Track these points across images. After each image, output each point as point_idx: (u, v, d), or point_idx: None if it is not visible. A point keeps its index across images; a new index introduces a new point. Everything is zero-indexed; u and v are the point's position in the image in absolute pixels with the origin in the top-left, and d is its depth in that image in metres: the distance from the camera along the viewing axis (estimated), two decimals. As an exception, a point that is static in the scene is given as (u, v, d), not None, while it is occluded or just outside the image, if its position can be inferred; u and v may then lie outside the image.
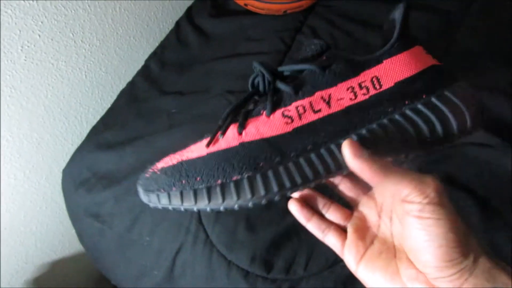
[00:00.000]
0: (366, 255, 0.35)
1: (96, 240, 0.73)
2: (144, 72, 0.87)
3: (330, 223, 0.40)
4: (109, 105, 0.85)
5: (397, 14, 0.42)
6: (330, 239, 0.39)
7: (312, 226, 0.40)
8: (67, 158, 0.80)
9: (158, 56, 0.89)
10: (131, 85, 0.86)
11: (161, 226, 0.65)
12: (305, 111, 0.38)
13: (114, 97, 0.86)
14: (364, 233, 0.37)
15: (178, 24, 0.94)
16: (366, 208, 0.38)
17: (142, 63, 0.91)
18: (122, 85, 0.89)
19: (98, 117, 0.84)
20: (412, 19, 0.82)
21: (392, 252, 0.34)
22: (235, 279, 0.58)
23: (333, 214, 0.40)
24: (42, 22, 0.73)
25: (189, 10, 0.96)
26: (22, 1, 0.69)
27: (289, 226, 0.59)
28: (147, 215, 0.66)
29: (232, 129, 0.40)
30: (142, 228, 0.67)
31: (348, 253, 0.36)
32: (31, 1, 0.70)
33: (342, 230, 0.39)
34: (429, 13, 0.84)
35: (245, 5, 0.86)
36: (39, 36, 0.74)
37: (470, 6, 0.84)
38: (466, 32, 0.81)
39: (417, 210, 0.30)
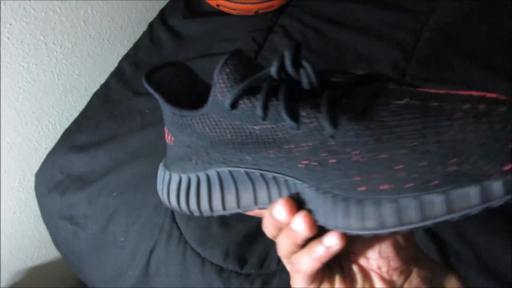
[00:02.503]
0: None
1: (71, 243, 0.73)
2: (118, 74, 0.87)
3: None
4: (83, 108, 0.84)
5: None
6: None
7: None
8: (40, 162, 0.79)
9: (131, 57, 0.89)
10: (105, 86, 0.86)
11: (135, 226, 0.65)
12: None
13: (88, 99, 0.86)
14: None
15: (151, 25, 0.94)
16: None
17: (116, 65, 0.91)
18: (96, 87, 0.89)
19: (71, 120, 0.83)
20: (381, 17, 0.84)
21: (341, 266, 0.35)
22: (209, 276, 0.58)
23: None
24: (10, 24, 0.72)
25: (162, 12, 0.96)
26: (-10, 3, 0.68)
27: (261, 222, 0.59)
28: (121, 215, 0.66)
29: None
30: (116, 229, 0.66)
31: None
32: (-1, 3, 0.69)
33: None
34: (397, 12, 0.86)
35: (217, 5, 0.87)
36: (8, 38, 0.73)
37: (437, 5, 0.87)
38: (433, 30, 0.83)
39: None
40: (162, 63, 0.40)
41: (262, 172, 0.34)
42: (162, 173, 0.42)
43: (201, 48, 0.85)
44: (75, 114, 0.86)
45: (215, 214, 0.37)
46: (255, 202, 0.35)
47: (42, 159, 0.79)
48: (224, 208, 0.37)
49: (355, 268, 0.33)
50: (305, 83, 0.30)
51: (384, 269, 0.31)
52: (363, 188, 0.27)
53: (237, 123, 0.33)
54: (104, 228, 0.67)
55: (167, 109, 0.37)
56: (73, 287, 1.09)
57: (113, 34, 0.94)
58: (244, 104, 0.32)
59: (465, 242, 0.56)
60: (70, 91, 0.90)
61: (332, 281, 0.33)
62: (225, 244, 0.59)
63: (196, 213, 0.38)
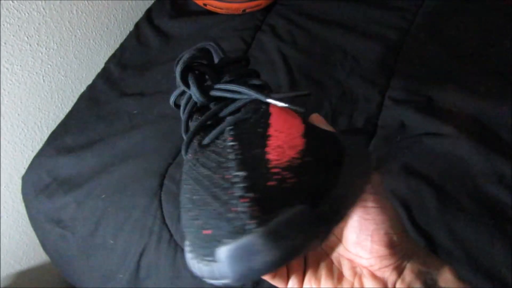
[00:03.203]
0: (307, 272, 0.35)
1: (59, 247, 0.72)
2: (104, 74, 0.86)
3: None
4: (69, 109, 0.83)
5: None
6: None
7: None
8: (27, 165, 0.78)
9: (118, 58, 0.88)
10: (91, 88, 0.85)
11: (125, 229, 0.64)
12: None
13: (75, 101, 0.85)
14: None
15: (137, 25, 0.93)
16: None
17: (102, 66, 0.90)
18: (82, 88, 0.88)
19: (58, 122, 0.82)
20: (368, 15, 0.84)
21: (330, 260, 0.34)
22: (199, 278, 0.58)
23: None
24: (-7, 26, 0.71)
25: (148, 12, 0.95)
26: (-28, 4, 0.67)
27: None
28: (110, 218, 0.66)
29: None
30: (105, 232, 0.66)
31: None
32: (-19, 4, 0.68)
33: None
34: (384, 10, 0.86)
35: (204, 5, 0.86)
36: (-9, 40, 0.72)
37: (423, 3, 0.87)
38: (420, 27, 0.84)
39: (363, 201, 0.31)
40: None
41: None
42: None
43: (188, 48, 0.84)
44: (61, 115, 0.85)
45: None
46: None
47: (29, 162, 0.78)
48: None
49: (345, 263, 0.33)
50: (194, 98, 0.31)
51: (376, 267, 0.31)
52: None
53: None
54: (93, 231, 0.66)
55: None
56: (63, 291, 1.08)
57: (99, 35, 0.93)
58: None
59: (456, 240, 0.57)
60: (56, 93, 0.89)
61: (318, 278, 0.33)
62: (215, 245, 0.59)
63: None
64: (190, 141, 0.30)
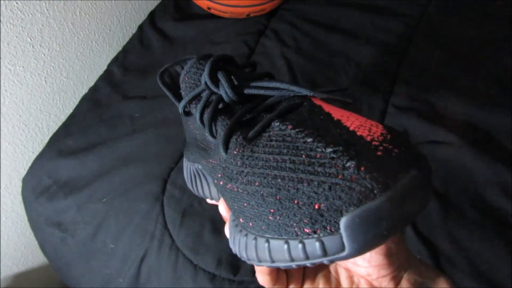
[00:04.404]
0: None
1: (59, 250, 0.71)
2: (107, 77, 0.85)
3: None
4: (71, 111, 0.83)
5: None
6: None
7: None
8: (27, 167, 0.78)
9: (120, 61, 0.87)
10: (93, 90, 0.84)
11: (126, 233, 0.64)
12: None
13: (76, 103, 0.84)
14: None
15: (141, 28, 0.93)
16: None
17: (105, 68, 0.89)
18: (84, 90, 0.87)
19: (59, 124, 0.82)
20: (371, 21, 0.84)
21: (327, 270, 0.34)
22: (201, 283, 0.58)
23: None
24: (-4, 26, 0.71)
25: (152, 14, 0.95)
26: (-25, 5, 0.66)
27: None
28: (111, 222, 0.65)
29: None
30: (106, 236, 0.65)
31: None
32: (-16, 5, 0.68)
33: None
34: (388, 16, 0.86)
35: (209, 8, 0.86)
36: (-6, 40, 0.72)
37: (426, 10, 0.88)
38: (423, 34, 0.84)
39: None
40: (176, 61, 0.41)
41: None
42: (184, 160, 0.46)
43: (191, 51, 0.84)
44: (63, 117, 0.84)
45: (214, 200, 0.40)
46: (219, 197, 0.38)
47: (29, 164, 0.77)
48: (211, 196, 0.40)
49: (342, 273, 0.33)
50: (225, 97, 0.31)
51: (374, 276, 0.31)
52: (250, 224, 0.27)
53: (196, 128, 0.35)
54: (93, 234, 0.66)
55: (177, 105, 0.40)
56: (61, 294, 1.07)
57: (102, 37, 0.93)
58: (193, 112, 0.34)
59: (458, 247, 0.56)
60: (58, 94, 0.88)
61: (315, 287, 0.33)
62: (217, 251, 0.59)
63: (202, 197, 0.41)
64: (229, 137, 0.29)
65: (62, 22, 0.82)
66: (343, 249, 0.21)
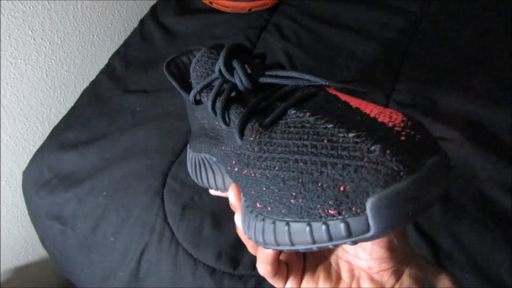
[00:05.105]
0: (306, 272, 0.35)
1: (59, 243, 0.71)
2: (108, 71, 0.85)
3: None
4: (72, 105, 0.83)
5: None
6: None
7: None
8: (28, 160, 0.78)
9: (122, 54, 0.87)
10: (94, 84, 0.84)
11: (126, 226, 0.64)
12: None
13: (77, 96, 0.84)
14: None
15: (142, 22, 0.93)
16: None
17: (106, 62, 0.89)
18: (85, 84, 0.87)
19: (60, 117, 0.82)
20: (374, 17, 0.84)
21: (328, 262, 0.34)
22: (201, 277, 0.58)
23: None
24: (-2, 19, 0.71)
25: (153, 8, 0.95)
26: (-24, -3, 0.66)
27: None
28: (111, 215, 0.65)
29: None
30: (106, 229, 0.65)
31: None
32: (-14, -3, 0.67)
33: None
34: (390, 12, 0.86)
35: (210, 3, 0.86)
36: (-5, 33, 0.71)
37: (429, 6, 0.87)
38: (426, 30, 0.83)
39: None
40: (182, 51, 0.42)
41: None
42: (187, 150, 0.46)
43: (193, 45, 0.84)
44: (64, 111, 0.84)
45: (219, 191, 0.41)
46: (224, 186, 0.39)
47: (30, 157, 0.77)
48: (216, 187, 0.40)
49: (343, 266, 0.33)
50: (239, 85, 0.31)
51: (375, 270, 0.31)
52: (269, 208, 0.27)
53: (205, 117, 0.35)
54: (93, 228, 0.66)
55: (182, 94, 0.40)
56: (61, 287, 1.07)
57: (103, 30, 0.93)
58: (204, 100, 0.34)
59: (458, 244, 0.56)
60: (59, 88, 0.88)
61: (316, 280, 0.33)
62: (217, 245, 0.59)
63: (206, 187, 0.42)
64: (245, 124, 0.29)
65: (63, 15, 0.82)
66: (368, 230, 0.21)
